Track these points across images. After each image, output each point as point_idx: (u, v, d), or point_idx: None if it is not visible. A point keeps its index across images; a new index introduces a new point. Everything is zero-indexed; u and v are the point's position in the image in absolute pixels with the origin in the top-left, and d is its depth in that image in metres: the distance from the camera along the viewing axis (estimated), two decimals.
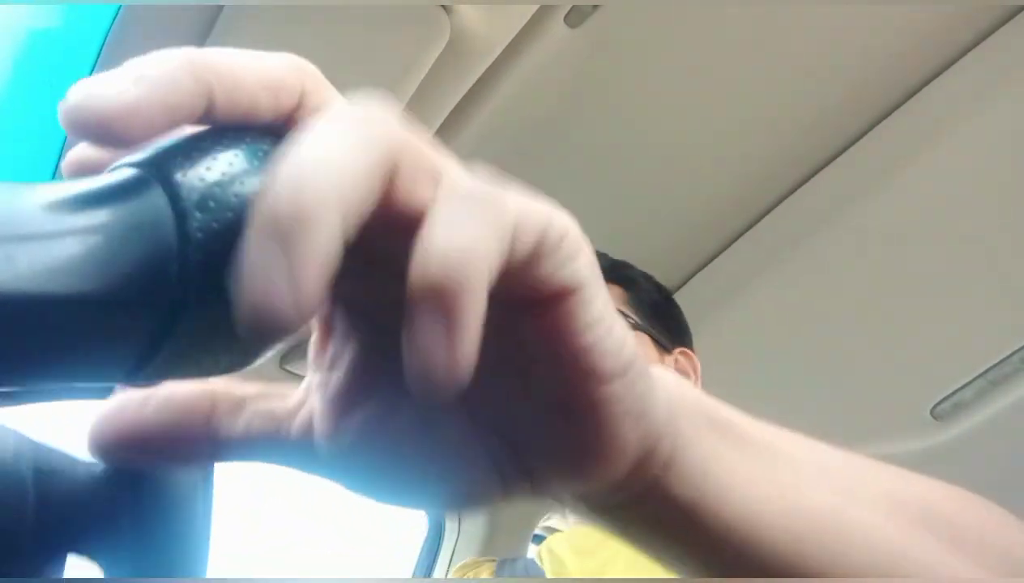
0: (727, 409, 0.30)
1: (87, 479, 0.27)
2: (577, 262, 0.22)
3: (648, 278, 0.96)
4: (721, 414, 0.29)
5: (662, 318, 0.91)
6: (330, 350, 0.24)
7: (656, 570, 0.30)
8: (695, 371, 0.89)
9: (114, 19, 0.83)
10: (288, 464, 0.24)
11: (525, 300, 0.21)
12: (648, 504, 0.26)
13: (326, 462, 0.23)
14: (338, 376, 0.23)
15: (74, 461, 0.27)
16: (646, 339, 0.86)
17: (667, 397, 0.26)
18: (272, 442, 0.23)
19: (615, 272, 0.92)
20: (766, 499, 0.27)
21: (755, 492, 0.27)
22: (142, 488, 0.26)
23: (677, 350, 0.90)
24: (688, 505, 0.27)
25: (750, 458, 0.28)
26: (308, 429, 0.23)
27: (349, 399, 0.23)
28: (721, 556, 0.28)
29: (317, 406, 0.23)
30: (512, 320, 0.21)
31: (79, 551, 0.26)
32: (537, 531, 1.66)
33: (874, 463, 0.31)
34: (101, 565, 0.27)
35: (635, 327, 0.86)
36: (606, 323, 0.22)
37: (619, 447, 0.23)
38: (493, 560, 0.94)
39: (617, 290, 0.91)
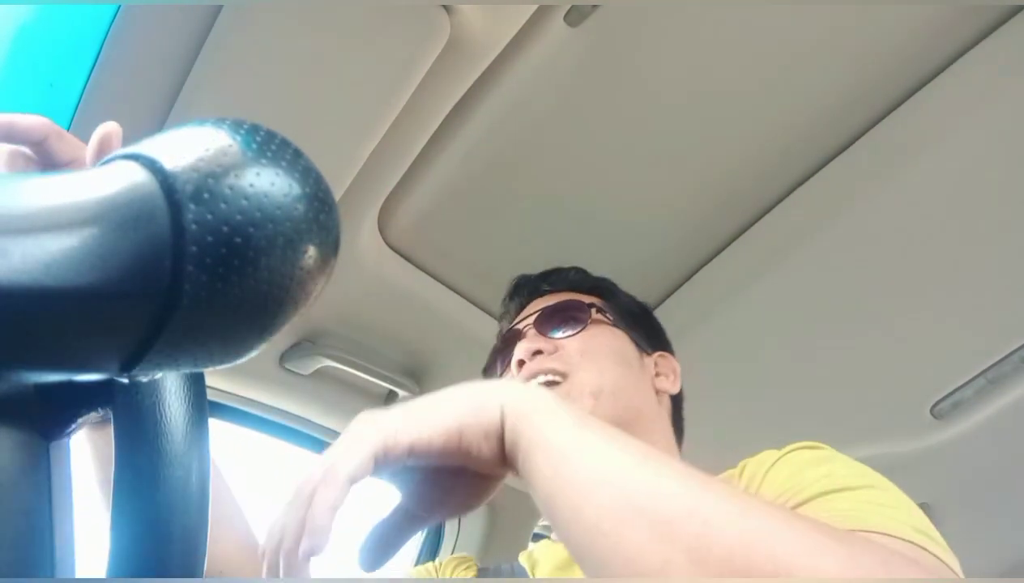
0: (559, 416, 0.50)
1: None
2: (398, 448, 0.48)
3: (627, 295, 1.05)
4: (564, 419, 0.49)
5: (640, 325, 0.99)
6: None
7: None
8: (674, 372, 0.97)
9: (114, 19, 0.83)
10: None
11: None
12: (528, 488, 0.48)
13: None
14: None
15: None
16: (623, 335, 0.95)
17: (513, 414, 0.50)
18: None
19: (596, 286, 1.03)
20: (561, 493, 0.46)
21: (559, 485, 0.46)
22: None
23: (656, 353, 0.97)
24: (535, 488, 0.47)
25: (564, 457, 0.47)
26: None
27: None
28: (559, 528, 0.46)
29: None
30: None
31: (86, 411, 0.29)
32: (536, 530, 1.66)
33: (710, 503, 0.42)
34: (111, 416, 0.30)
35: (613, 324, 0.96)
36: (422, 437, 0.48)
37: (486, 455, 0.49)
38: (474, 565, 0.94)
39: (595, 298, 1.00)
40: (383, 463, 0.48)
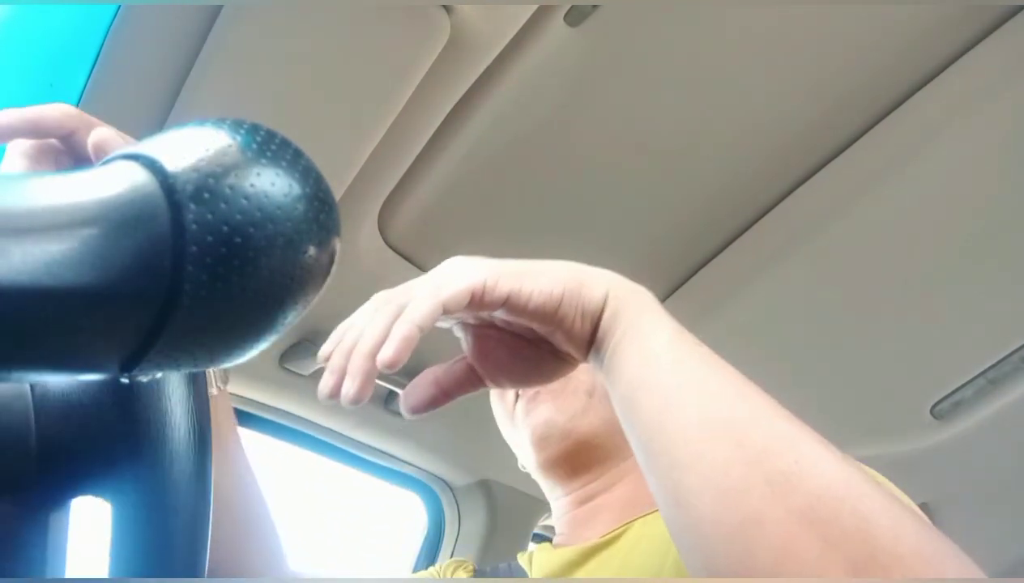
0: (671, 323, 0.48)
1: (83, 418, 0.29)
2: (496, 292, 0.47)
3: None
4: (665, 322, 0.48)
5: None
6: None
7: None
8: None
9: (114, 19, 0.83)
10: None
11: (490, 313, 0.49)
12: (608, 380, 0.48)
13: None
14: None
15: (69, 404, 0.29)
16: None
17: (616, 300, 0.48)
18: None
19: None
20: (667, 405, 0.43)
21: (665, 391, 0.44)
22: (138, 421, 0.29)
23: None
24: (617, 382, 0.46)
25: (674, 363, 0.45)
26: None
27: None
28: (641, 431, 0.44)
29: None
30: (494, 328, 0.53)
31: (84, 492, 0.28)
32: (536, 530, 1.66)
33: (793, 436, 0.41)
34: (109, 501, 0.29)
35: None
36: (523, 291, 0.47)
37: (577, 333, 0.48)
38: (471, 569, 0.92)
39: None
40: (477, 303, 0.47)
